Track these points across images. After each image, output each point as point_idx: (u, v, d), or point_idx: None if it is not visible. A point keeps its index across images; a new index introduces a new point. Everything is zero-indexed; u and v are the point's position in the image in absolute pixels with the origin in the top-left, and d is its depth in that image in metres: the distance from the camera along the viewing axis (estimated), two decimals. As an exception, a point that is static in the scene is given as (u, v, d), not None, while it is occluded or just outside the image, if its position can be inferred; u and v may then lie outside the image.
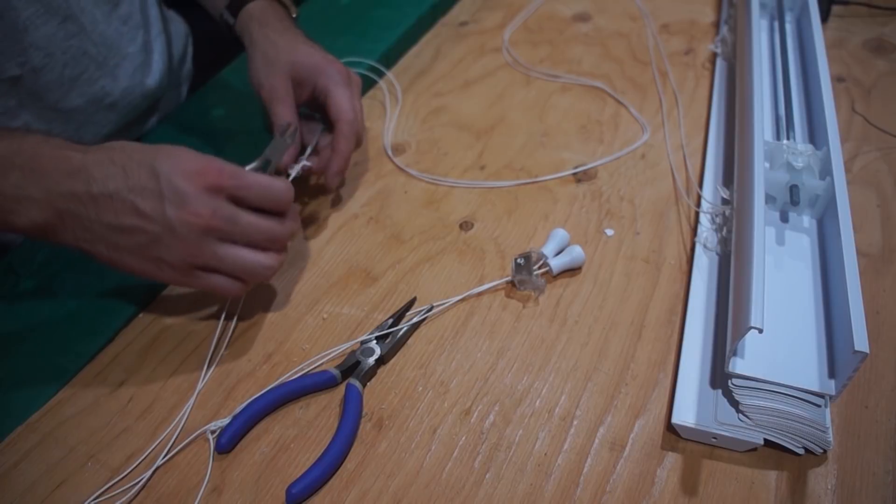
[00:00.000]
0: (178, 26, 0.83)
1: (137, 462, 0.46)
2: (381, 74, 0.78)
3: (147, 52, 0.70)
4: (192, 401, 0.49)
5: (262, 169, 0.52)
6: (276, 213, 0.48)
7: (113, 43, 0.64)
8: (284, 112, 0.58)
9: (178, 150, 0.46)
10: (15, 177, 0.44)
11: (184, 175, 0.44)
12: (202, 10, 0.69)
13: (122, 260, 0.46)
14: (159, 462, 0.46)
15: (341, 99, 0.58)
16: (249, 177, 0.46)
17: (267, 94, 0.59)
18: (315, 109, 0.63)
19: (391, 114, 0.74)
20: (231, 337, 0.54)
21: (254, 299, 0.56)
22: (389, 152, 0.69)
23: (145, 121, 0.76)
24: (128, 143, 0.46)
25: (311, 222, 0.63)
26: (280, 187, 0.48)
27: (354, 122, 0.58)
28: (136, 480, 0.45)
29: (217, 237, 0.46)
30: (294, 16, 0.66)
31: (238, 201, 0.46)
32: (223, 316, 0.54)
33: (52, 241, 0.46)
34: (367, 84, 0.77)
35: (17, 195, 0.44)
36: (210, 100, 0.75)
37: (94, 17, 0.62)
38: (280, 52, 0.59)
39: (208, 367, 0.51)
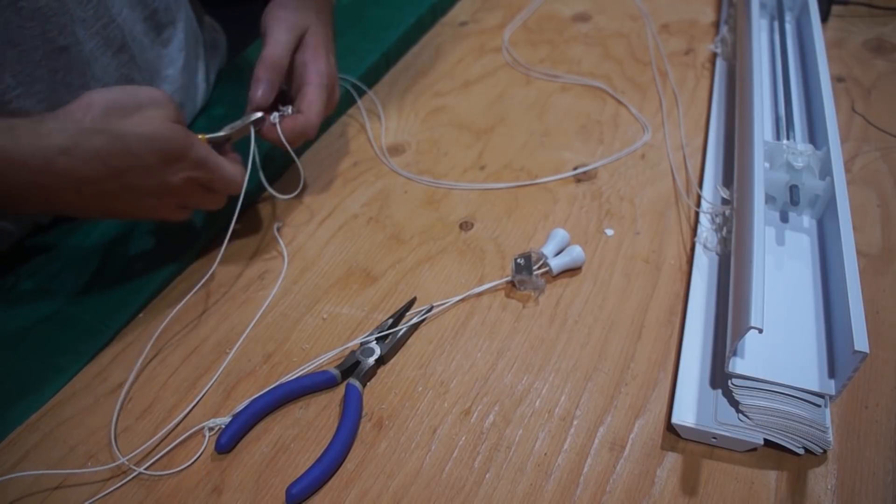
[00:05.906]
0: (219, 39, 0.82)
1: (137, 462, 0.46)
2: (361, 93, 0.76)
3: (189, 74, 0.69)
4: (192, 401, 0.49)
5: (222, 142, 0.56)
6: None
7: (153, 67, 0.64)
8: (268, 73, 0.57)
9: (158, 131, 0.48)
10: (23, 175, 0.45)
11: (160, 158, 0.49)
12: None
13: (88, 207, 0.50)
14: (159, 462, 0.46)
15: (314, 98, 0.58)
16: (217, 170, 0.52)
17: (272, 45, 0.57)
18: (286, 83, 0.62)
19: (384, 123, 0.74)
20: (231, 336, 0.54)
21: (253, 299, 0.56)
22: (387, 156, 0.69)
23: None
24: (104, 105, 0.48)
25: (310, 222, 0.63)
26: (236, 180, 0.55)
27: (310, 126, 0.58)
28: (136, 481, 0.45)
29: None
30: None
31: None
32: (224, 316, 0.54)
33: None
34: (354, 95, 0.77)
35: (22, 195, 0.46)
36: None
37: (142, 45, 0.62)
38: (300, 19, 0.59)
39: (213, 369, 0.51)
